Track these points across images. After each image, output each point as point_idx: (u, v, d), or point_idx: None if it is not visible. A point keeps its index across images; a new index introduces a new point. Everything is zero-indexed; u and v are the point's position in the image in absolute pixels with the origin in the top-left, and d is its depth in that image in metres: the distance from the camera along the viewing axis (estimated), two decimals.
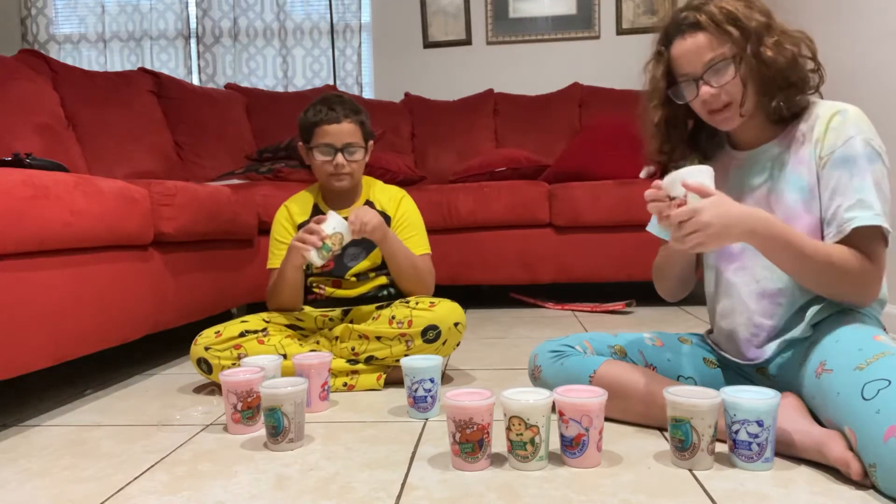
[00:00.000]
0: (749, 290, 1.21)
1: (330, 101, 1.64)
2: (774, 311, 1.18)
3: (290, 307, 1.66)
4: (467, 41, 3.74)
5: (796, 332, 1.15)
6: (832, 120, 1.11)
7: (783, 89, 1.12)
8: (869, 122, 1.11)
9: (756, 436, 1.00)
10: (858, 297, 1.12)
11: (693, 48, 1.15)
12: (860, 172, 1.08)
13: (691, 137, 1.28)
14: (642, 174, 2.56)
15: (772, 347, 1.19)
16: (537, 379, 1.31)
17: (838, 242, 1.08)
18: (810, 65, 1.14)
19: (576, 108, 3.42)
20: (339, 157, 1.62)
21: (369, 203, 1.73)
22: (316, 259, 1.50)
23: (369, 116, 1.70)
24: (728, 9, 1.12)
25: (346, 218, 1.53)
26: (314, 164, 1.67)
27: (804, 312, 1.16)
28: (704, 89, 1.15)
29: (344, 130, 1.62)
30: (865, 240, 1.07)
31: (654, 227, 1.29)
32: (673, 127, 1.26)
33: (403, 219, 1.73)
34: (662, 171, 1.23)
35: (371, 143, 1.71)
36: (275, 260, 1.70)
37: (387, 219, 1.72)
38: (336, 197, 1.72)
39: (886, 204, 1.08)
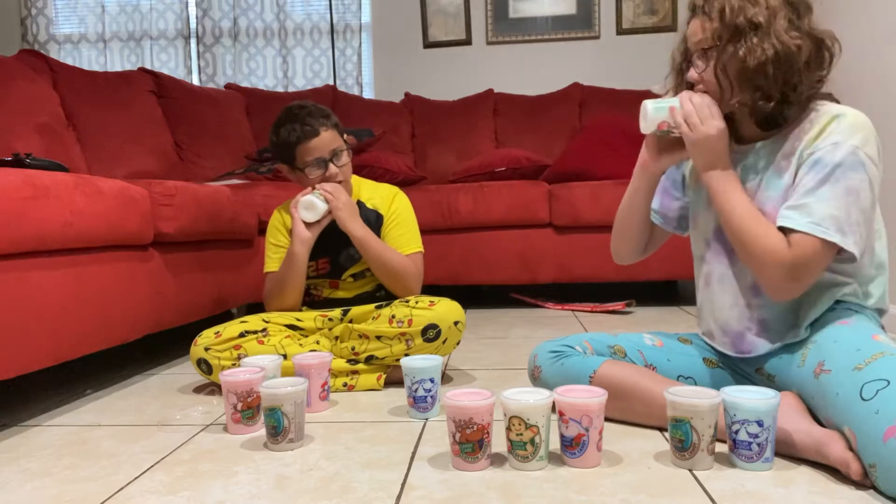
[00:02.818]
0: (742, 283, 1.21)
1: (300, 117, 1.60)
2: (766, 304, 1.18)
3: (289, 302, 1.66)
4: (467, 41, 3.74)
5: (794, 337, 1.16)
6: (829, 124, 1.10)
7: (748, 91, 1.12)
8: (867, 129, 1.09)
9: (756, 436, 1.00)
10: (764, 284, 1.13)
11: (691, 31, 1.20)
12: (822, 179, 1.07)
13: None
14: None
15: (766, 345, 1.19)
16: (537, 379, 1.31)
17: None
18: (801, 75, 1.11)
19: (576, 108, 3.42)
20: (332, 168, 1.63)
21: (360, 204, 1.73)
22: (317, 201, 1.57)
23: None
24: (723, 1, 1.13)
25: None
26: (305, 182, 1.65)
27: (796, 305, 1.17)
28: (690, 72, 1.20)
29: (326, 140, 1.61)
30: (801, 241, 1.07)
31: (652, 122, 1.20)
32: None
33: (394, 216, 1.73)
34: None
35: (350, 138, 1.71)
36: (271, 264, 1.70)
37: (380, 217, 1.72)
38: None
39: (857, 211, 1.06)
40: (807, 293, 1.15)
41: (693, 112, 1.14)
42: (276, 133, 1.64)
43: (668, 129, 1.20)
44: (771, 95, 1.11)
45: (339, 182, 1.64)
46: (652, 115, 1.19)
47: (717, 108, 1.15)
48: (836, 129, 1.09)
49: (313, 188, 1.61)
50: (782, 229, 1.09)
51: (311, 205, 1.58)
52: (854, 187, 1.06)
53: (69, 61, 3.66)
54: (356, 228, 1.61)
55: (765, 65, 1.09)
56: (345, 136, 1.70)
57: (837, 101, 1.17)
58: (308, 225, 1.60)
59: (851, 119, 1.09)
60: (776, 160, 1.16)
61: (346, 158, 1.66)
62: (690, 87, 1.24)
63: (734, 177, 1.16)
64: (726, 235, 1.18)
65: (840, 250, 1.07)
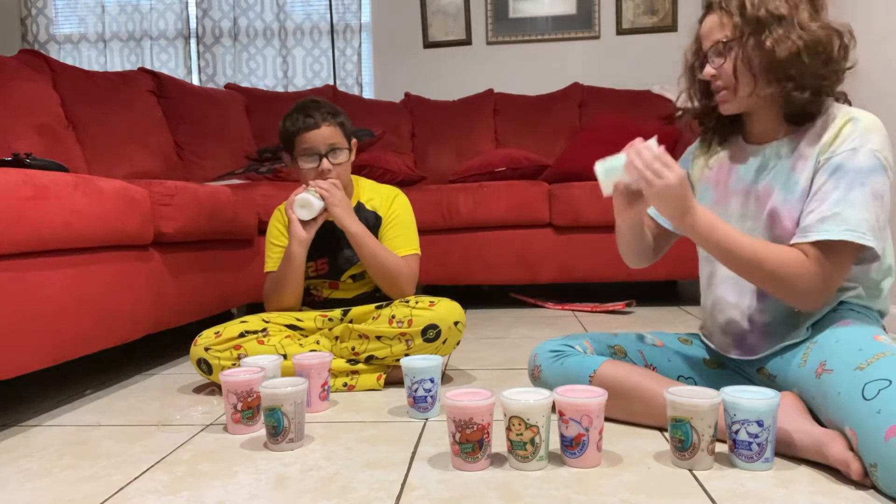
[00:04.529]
0: (745, 285, 1.21)
1: (306, 108, 1.62)
2: (768, 307, 1.18)
3: (289, 302, 1.66)
4: (467, 41, 3.74)
5: (795, 337, 1.16)
6: (844, 127, 1.09)
7: (780, 81, 1.11)
8: (882, 132, 1.09)
9: (756, 436, 1.00)
10: (795, 300, 1.12)
11: (707, 27, 1.18)
12: (847, 185, 1.06)
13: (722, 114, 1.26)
14: None
15: (766, 347, 1.19)
16: (537, 379, 1.31)
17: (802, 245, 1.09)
18: (829, 65, 1.11)
19: (576, 108, 3.42)
20: (325, 163, 1.62)
21: (360, 205, 1.72)
22: (312, 198, 1.56)
23: (349, 118, 1.69)
24: None
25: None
26: (301, 173, 1.65)
27: (798, 309, 1.16)
28: (706, 68, 1.18)
29: (324, 134, 1.61)
30: (830, 251, 1.06)
31: (607, 183, 1.18)
32: (708, 99, 1.26)
33: (392, 217, 1.72)
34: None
35: (354, 142, 1.71)
36: (271, 263, 1.70)
37: (378, 219, 1.72)
38: None
39: (884, 215, 1.07)
40: None
41: (644, 169, 1.09)
42: (283, 122, 1.65)
43: (626, 186, 1.16)
44: (805, 85, 1.10)
45: (333, 179, 1.64)
46: (604, 178, 1.16)
47: (668, 157, 1.10)
48: (851, 134, 1.08)
49: (307, 186, 1.60)
50: (817, 243, 1.07)
51: (307, 202, 1.58)
52: (879, 191, 1.06)
53: (69, 61, 3.66)
54: (352, 225, 1.60)
55: (798, 55, 1.09)
56: (352, 140, 1.70)
57: (849, 102, 1.17)
58: (304, 224, 1.60)
59: (867, 122, 1.09)
60: (791, 162, 1.15)
61: (343, 157, 1.65)
62: (705, 85, 1.24)
63: (711, 213, 1.13)
64: (732, 270, 1.14)
65: (858, 250, 1.08)
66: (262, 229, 2.25)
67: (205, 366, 1.54)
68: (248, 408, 1.26)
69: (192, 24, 3.83)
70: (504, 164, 2.90)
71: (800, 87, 1.11)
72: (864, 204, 1.06)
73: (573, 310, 2.71)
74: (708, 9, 1.19)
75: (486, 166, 2.91)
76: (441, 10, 3.74)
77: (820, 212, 1.08)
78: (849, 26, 1.13)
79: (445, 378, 1.64)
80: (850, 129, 1.09)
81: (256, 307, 1.85)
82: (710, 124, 1.28)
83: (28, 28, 3.79)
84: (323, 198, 1.58)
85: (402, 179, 2.83)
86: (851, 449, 0.95)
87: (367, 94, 3.81)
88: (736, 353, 1.24)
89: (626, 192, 1.18)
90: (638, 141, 1.13)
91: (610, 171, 1.15)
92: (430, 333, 1.49)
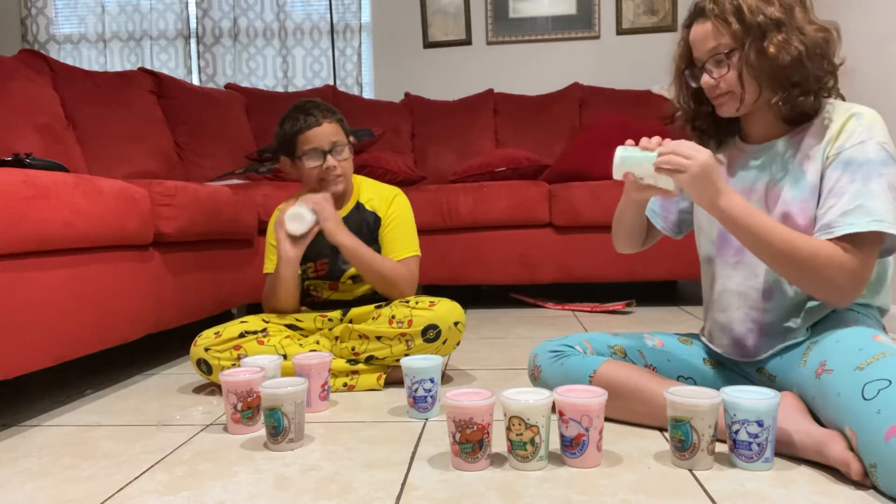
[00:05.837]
0: (747, 286, 1.21)
1: (305, 108, 1.62)
2: (771, 307, 1.18)
3: (285, 308, 1.66)
4: (467, 41, 3.74)
5: (795, 338, 1.15)
6: (847, 122, 1.09)
7: (785, 88, 1.11)
8: (883, 125, 1.10)
9: (756, 436, 1.00)
10: (830, 294, 1.10)
11: (700, 35, 1.17)
12: (864, 177, 1.06)
13: (715, 117, 1.26)
14: None
15: (766, 349, 1.19)
16: (537, 379, 1.31)
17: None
18: (827, 66, 1.11)
19: (576, 108, 3.42)
20: (330, 159, 1.62)
21: (360, 205, 1.72)
22: (304, 211, 1.54)
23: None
24: (738, 1, 1.11)
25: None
26: (304, 174, 1.65)
27: (801, 309, 1.16)
28: (704, 77, 1.17)
29: (326, 131, 1.61)
30: (857, 244, 1.06)
31: (619, 170, 1.20)
32: (698, 104, 1.26)
33: (392, 218, 1.72)
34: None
35: (352, 138, 1.71)
36: (269, 264, 1.70)
37: (378, 220, 1.72)
38: None
39: None
40: (812, 298, 1.15)
41: (673, 153, 1.10)
42: (281, 125, 1.65)
43: (635, 178, 1.18)
44: (809, 90, 1.10)
45: (339, 175, 1.64)
46: (618, 164, 1.18)
47: (692, 143, 1.12)
48: (857, 128, 1.09)
49: (295, 200, 1.59)
50: (843, 237, 1.05)
51: (299, 216, 1.56)
52: (893, 182, 1.06)
53: (69, 61, 3.66)
54: (344, 238, 1.58)
55: (801, 59, 1.09)
56: (350, 137, 1.70)
57: (843, 98, 1.17)
58: (294, 240, 1.59)
59: (869, 117, 1.10)
60: (796, 159, 1.15)
61: (346, 153, 1.65)
62: (699, 93, 1.23)
63: (742, 198, 1.12)
64: (763, 259, 1.12)
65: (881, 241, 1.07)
66: (262, 229, 2.25)
67: (205, 366, 1.54)
68: (248, 408, 1.26)
69: (192, 24, 3.83)
70: (504, 164, 2.90)
71: (805, 91, 1.11)
72: (885, 194, 1.05)
73: (573, 310, 2.71)
74: (698, 14, 1.17)
75: (486, 166, 2.91)
76: (441, 10, 3.74)
77: (841, 206, 1.07)
78: (836, 24, 1.13)
79: (445, 378, 1.64)
80: (855, 123, 1.09)
81: (256, 307, 1.85)
82: (704, 127, 1.27)
83: (28, 28, 3.79)
84: (315, 211, 1.57)
85: (402, 179, 2.83)
86: (851, 449, 0.95)
87: (367, 94, 3.81)
88: (737, 354, 1.24)
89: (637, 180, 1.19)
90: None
91: (627, 159, 1.17)
92: (430, 334, 1.49)
